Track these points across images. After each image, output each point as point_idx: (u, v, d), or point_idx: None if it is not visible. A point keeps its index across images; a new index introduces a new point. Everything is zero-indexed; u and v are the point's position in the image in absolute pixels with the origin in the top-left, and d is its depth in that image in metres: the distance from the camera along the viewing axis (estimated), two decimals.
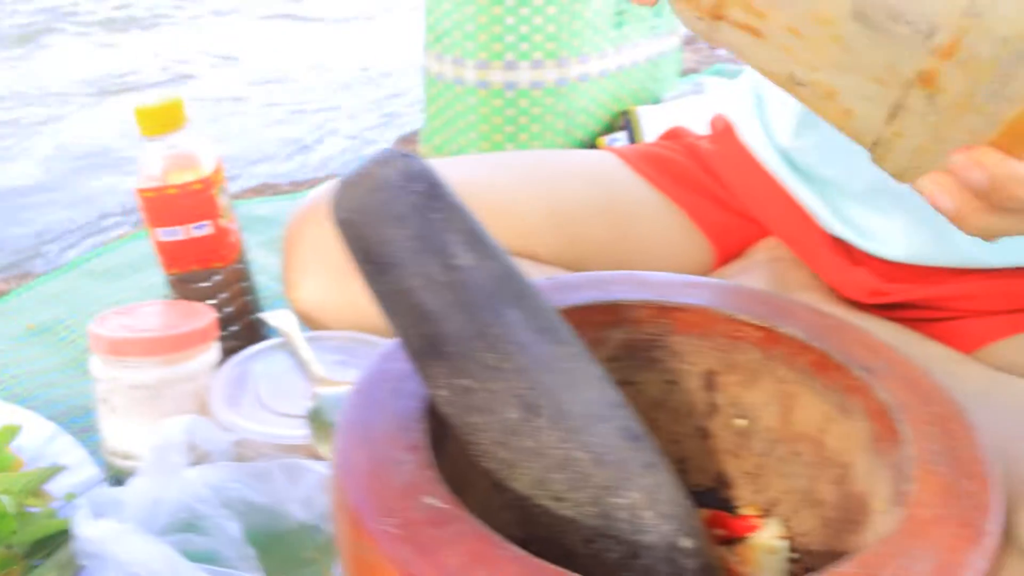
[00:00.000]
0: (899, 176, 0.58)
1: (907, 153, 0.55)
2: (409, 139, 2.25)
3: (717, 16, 0.54)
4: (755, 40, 0.53)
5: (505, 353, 0.52)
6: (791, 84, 0.55)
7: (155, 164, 1.00)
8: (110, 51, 3.27)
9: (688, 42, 2.96)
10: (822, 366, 0.64)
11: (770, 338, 0.66)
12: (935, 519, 0.50)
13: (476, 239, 0.53)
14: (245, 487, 0.79)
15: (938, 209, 0.56)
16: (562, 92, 1.70)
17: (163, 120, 0.99)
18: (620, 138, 1.79)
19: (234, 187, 2.02)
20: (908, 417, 0.57)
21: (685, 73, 2.57)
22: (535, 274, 0.69)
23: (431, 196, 0.51)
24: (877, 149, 0.56)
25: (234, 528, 0.76)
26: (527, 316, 0.54)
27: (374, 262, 0.51)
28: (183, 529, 0.75)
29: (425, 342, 0.52)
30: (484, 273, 0.52)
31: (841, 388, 0.63)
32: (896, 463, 0.56)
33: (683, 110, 1.81)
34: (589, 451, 0.54)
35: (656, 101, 1.93)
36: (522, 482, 0.54)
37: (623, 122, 1.82)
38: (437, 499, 0.49)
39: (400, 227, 0.50)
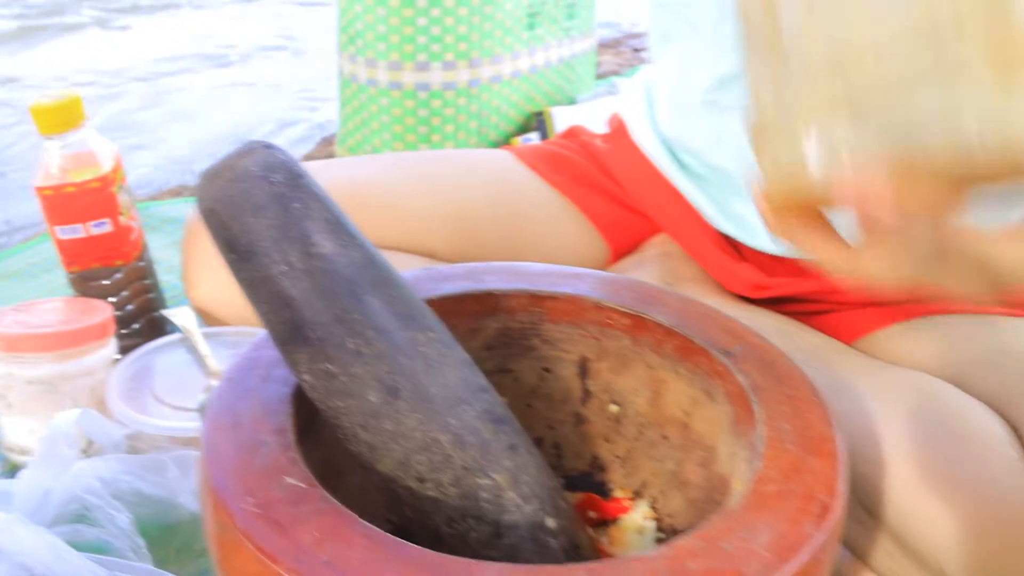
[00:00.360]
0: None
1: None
2: (330, 140, 2.26)
3: None
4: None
5: (365, 338, 0.54)
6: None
7: (53, 162, 1.00)
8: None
9: (611, 45, 3.00)
10: (687, 351, 0.66)
11: (638, 325, 0.68)
12: (779, 494, 0.52)
13: (337, 227, 0.54)
14: (137, 479, 0.80)
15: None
16: (474, 93, 1.72)
17: (61, 118, 0.99)
18: (534, 138, 1.81)
19: (157, 189, 2.02)
20: (763, 398, 0.60)
21: (606, 75, 2.60)
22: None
23: (291, 186, 0.53)
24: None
25: (124, 519, 0.76)
26: (388, 302, 0.55)
27: (236, 251, 0.53)
28: (73, 520, 0.76)
29: (288, 328, 0.54)
30: (345, 260, 0.54)
31: (705, 372, 0.65)
32: (752, 443, 0.58)
33: (597, 111, 1.84)
34: (450, 433, 0.56)
35: (571, 102, 1.95)
36: (386, 464, 0.56)
37: (537, 123, 1.84)
38: (297, 479, 0.50)
39: (261, 216, 0.52)
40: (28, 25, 3.37)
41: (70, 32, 3.34)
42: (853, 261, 0.50)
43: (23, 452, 0.94)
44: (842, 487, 0.54)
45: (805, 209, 0.51)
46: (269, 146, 0.54)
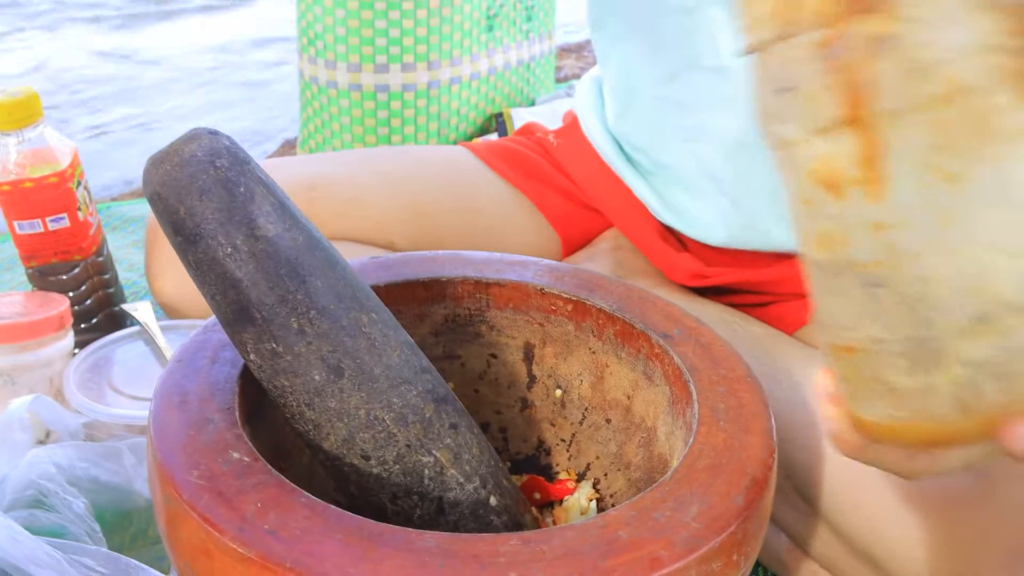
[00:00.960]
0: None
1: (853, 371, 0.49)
2: (292, 143, 2.27)
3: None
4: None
5: (309, 318, 0.55)
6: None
7: (11, 158, 1.01)
8: None
9: (573, 50, 3.02)
10: (628, 335, 0.68)
11: (581, 311, 0.70)
12: (710, 468, 0.54)
13: (281, 211, 0.56)
14: (93, 466, 0.81)
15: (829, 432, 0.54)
16: (434, 95, 1.73)
17: (18, 114, 1.00)
18: (493, 139, 1.82)
19: (116, 190, 2.03)
20: (698, 379, 0.62)
21: (567, 79, 2.63)
22: None
23: (236, 171, 0.54)
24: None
25: (80, 505, 0.77)
26: (331, 284, 0.57)
27: (183, 234, 0.54)
28: (29, 506, 0.77)
29: (234, 309, 0.55)
30: (289, 243, 0.55)
31: (645, 356, 0.67)
32: (688, 422, 0.60)
33: (555, 112, 1.86)
34: (393, 411, 0.58)
35: (530, 104, 1.97)
36: (331, 442, 0.58)
37: (496, 124, 1.86)
38: (242, 454, 0.52)
39: (206, 200, 0.53)
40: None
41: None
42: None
43: None
44: (773, 463, 0.56)
45: (917, 443, 0.48)
46: (214, 132, 0.55)
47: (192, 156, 0.53)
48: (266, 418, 0.62)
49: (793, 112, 0.43)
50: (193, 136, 0.54)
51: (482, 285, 0.72)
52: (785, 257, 0.98)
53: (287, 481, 0.50)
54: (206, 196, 0.53)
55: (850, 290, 0.45)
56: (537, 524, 0.67)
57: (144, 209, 1.69)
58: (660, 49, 0.95)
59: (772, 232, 0.95)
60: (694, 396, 0.60)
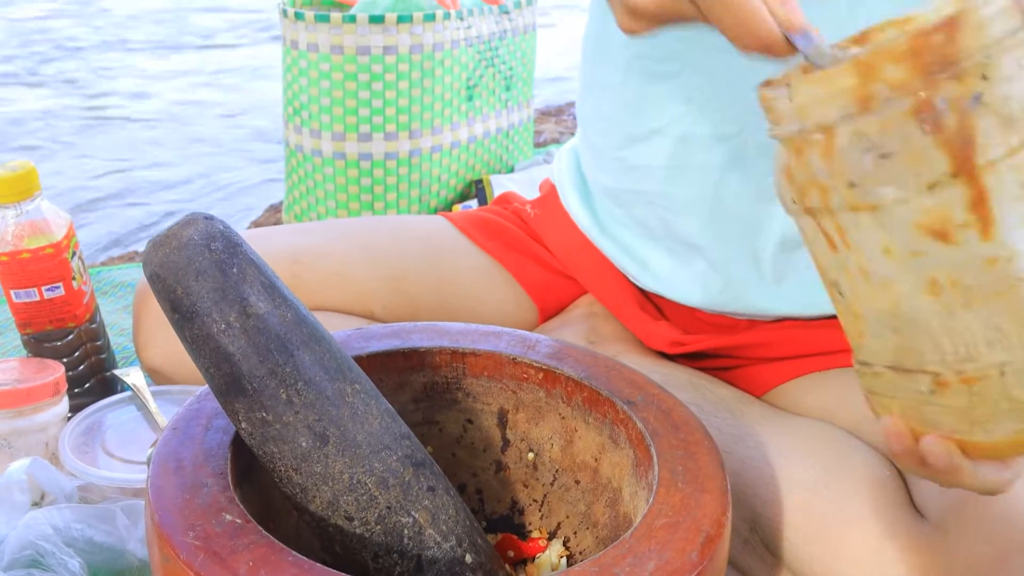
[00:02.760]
0: (866, 393, 0.60)
1: (886, 393, 0.57)
2: (278, 208, 2.31)
3: (809, 212, 0.54)
4: (827, 247, 0.54)
5: (296, 389, 0.59)
6: (832, 287, 0.57)
7: (9, 230, 1.06)
8: None
9: (552, 114, 3.08)
10: (595, 402, 0.73)
11: (550, 378, 0.75)
12: (668, 526, 0.58)
13: (271, 290, 0.60)
14: (88, 527, 0.84)
15: (887, 443, 0.59)
16: (415, 162, 1.78)
17: (17, 188, 1.05)
18: (473, 205, 1.86)
19: (103, 255, 2.07)
20: (659, 443, 0.66)
21: (546, 144, 2.68)
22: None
23: (229, 253, 0.59)
24: (865, 369, 0.58)
25: (75, 564, 0.81)
26: (317, 357, 0.61)
27: (180, 311, 0.58)
28: (27, 565, 0.80)
29: (227, 381, 0.59)
30: (278, 319, 0.60)
31: (611, 421, 0.72)
32: (650, 482, 0.65)
33: (533, 179, 1.90)
34: (375, 475, 0.62)
35: (509, 170, 2.02)
36: (317, 504, 0.62)
37: (476, 190, 1.91)
38: (235, 516, 0.56)
39: (202, 280, 0.58)
40: None
41: None
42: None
43: None
44: (727, 520, 0.60)
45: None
46: (209, 217, 0.60)
47: (189, 240, 0.58)
48: (255, 481, 0.66)
49: (893, 175, 0.48)
50: (190, 220, 0.59)
51: (458, 355, 0.76)
52: (759, 323, 1.02)
53: (276, 541, 0.54)
54: (202, 277, 0.58)
55: (968, 325, 0.50)
56: None
57: (134, 274, 1.73)
58: (628, 113, 1.00)
59: (749, 295, 0.99)
60: (655, 459, 0.64)
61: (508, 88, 1.95)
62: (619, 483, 0.72)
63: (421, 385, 0.78)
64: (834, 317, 0.89)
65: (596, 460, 0.74)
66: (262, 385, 0.59)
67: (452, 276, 1.13)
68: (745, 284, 0.99)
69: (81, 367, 1.14)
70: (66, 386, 1.03)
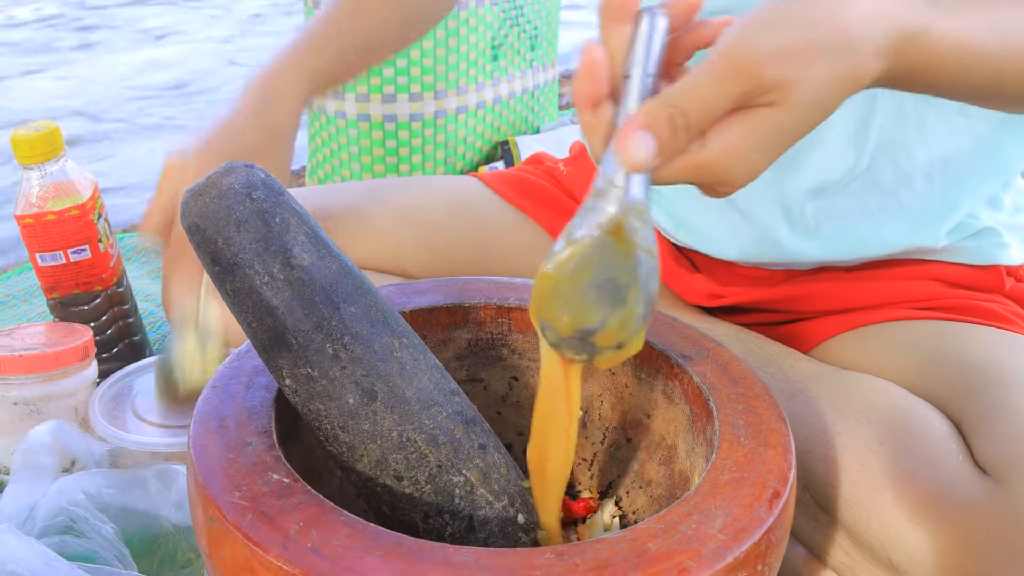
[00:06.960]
0: None
1: None
2: (300, 173, 2.29)
3: None
4: None
5: (343, 343, 0.57)
6: None
7: (33, 191, 1.03)
8: None
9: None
10: (647, 357, 0.70)
11: None
12: (733, 482, 0.56)
13: (315, 240, 0.58)
14: (120, 493, 0.82)
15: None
16: (441, 124, 1.76)
17: (40, 148, 1.02)
18: (499, 167, 1.85)
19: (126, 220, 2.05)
20: (718, 397, 0.63)
21: (570, 106, 2.65)
22: None
23: (272, 202, 0.56)
24: None
25: (109, 530, 0.79)
26: (364, 310, 0.59)
27: (220, 264, 0.56)
28: (60, 532, 0.79)
29: (270, 336, 0.57)
30: (323, 271, 0.57)
31: (664, 376, 0.69)
32: (709, 439, 0.62)
33: (560, 140, 1.88)
34: (424, 433, 0.59)
35: (535, 131, 2.00)
36: (364, 464, 0.59)
37: (502, 152, 1.88)
38: (281, 475, 0.54)
39: (244, 231, 0.55)
40: None
41: None
42: None
43: (8, 472, 0.97)
44: (792, 474, 0.58)
45: None
46: (250, 165, 0.57)
47: (229, 188, 0.55)
48: (298, 441, 0.64)
49: None
50: (230, 169, 0.56)
51: (504, 310, 0.74)
52: (797, 275, 1.00)
53: (326, 500, 0.52)
54: (243, 227, 0.55)
55: None
56: (563, 541, 0.69)
57: None
58: None
59: (782, 242, 0.96)
60: (715, 414, 0.62)
61: (533, 48, 1.92)
62: (674, 440, 0.69)
63: (465, 341, 0.75)
64: (871, 266, 0.85)
65: (648, 416, 0.71)
66: (307, 339, 0.57)
67: (485, 232, 1.11)
68: (777, 232, 0.97)
69: (109, 331, 1.12)
70: (94, 350, 1.01)
